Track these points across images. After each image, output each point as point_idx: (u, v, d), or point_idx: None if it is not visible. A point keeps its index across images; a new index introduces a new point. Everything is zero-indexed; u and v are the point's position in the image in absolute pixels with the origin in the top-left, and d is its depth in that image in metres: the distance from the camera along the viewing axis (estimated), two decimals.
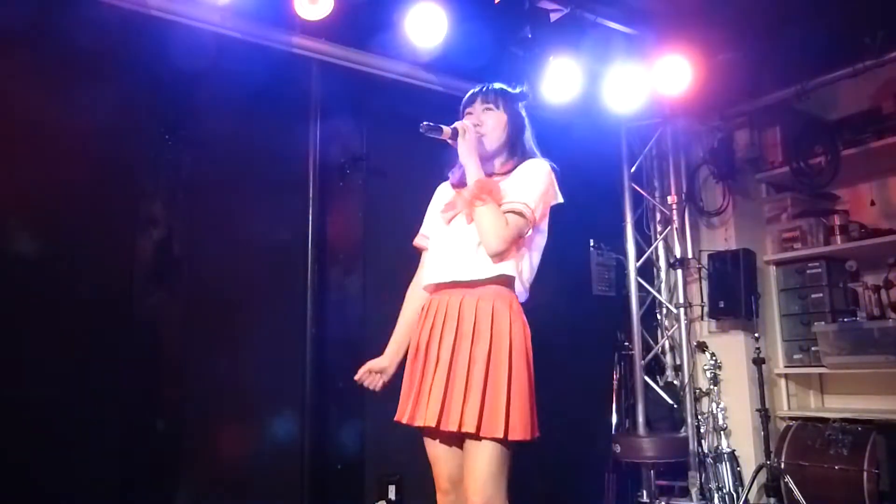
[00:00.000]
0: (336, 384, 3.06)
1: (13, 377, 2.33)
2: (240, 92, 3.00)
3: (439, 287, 1.97)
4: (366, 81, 3.33)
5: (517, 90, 2.12)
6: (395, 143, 3.34)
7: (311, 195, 3.08)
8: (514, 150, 2.05)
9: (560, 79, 3.48)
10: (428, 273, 2.05)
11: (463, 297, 1.90)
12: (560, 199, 2.07)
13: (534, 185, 1.95)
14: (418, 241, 2.17)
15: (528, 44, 3.33)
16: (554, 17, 3.32)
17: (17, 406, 2.31)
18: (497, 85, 2.09)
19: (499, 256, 1.88)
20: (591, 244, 4.17)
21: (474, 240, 1.91)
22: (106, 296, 2.59)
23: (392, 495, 3.12)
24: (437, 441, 1.94)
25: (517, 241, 1.92)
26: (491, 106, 2.04)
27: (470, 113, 2.06)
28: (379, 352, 2.13)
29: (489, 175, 1.99)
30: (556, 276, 3.95)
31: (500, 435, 1.75)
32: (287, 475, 2.88)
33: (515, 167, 2.02)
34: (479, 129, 2.00)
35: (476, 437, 1.78)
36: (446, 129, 1.95)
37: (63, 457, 2.39)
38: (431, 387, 1.85)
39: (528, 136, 2.10)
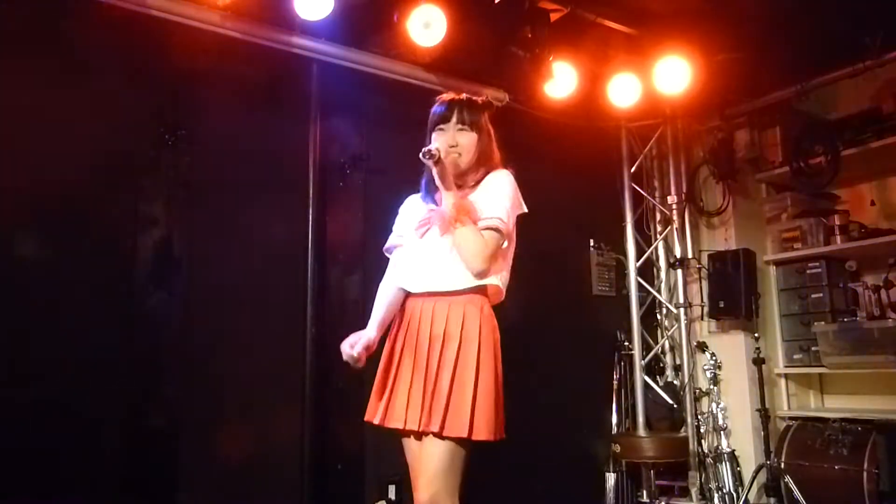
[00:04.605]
0: (336, 384, 3.06)
1: (13, 377, 2.33)
2: (240, 92, 3.01)
3: (413, 295, 2.06)
4: (366, 81, 3.33)
5: (482, 100, 2.15)
6: (395, 143, 3.34)
7: (311, 195, 3.08)
8: (484, 163, 2.11)
9: (560, 79, 3.48)
10: (403, 281, 2.11)
11: (435, 304, 1.98)
12: (525, 209, 2.14)
13: (502, 198, 2.02)
14: (392, 240, 2.22)
15: (528, 44, 3.32)
16: (554, 17, 3.32)
17: (17, 406, 2.31)
18: (468, 99, 2.12)
19: (481, 274, 1.95)
20: (591, 244, 4.17)
21: (447, 252, 1.99)
22: (106, 296, 2.59)
23: (392, 495, 3.12)
24: (413, 442, 1.99)
25: (494, 255, 1.98)
26: (465, 127, 2.07)
27: (442, 129, 2.09)
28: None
29: (460, 188, 2.06)
30: (556, 276, 3.98)
31: (465, 434, 1.81)
32: (287, 475, 2.88)
33: (483, 178, 2.09)
34: (455, 149, 2.05)
35: (438, 435, 1.84)
36: (434, 152, 1.95)
37: (63, 457, 2.39)
38: (401, 389, 1.95)
39: (494, 146, 2.15)
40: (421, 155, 1.93)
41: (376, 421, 1.99)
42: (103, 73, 2.68)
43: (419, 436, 1.93)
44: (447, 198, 2.00)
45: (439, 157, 1.94)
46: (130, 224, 2.71)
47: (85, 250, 2.55)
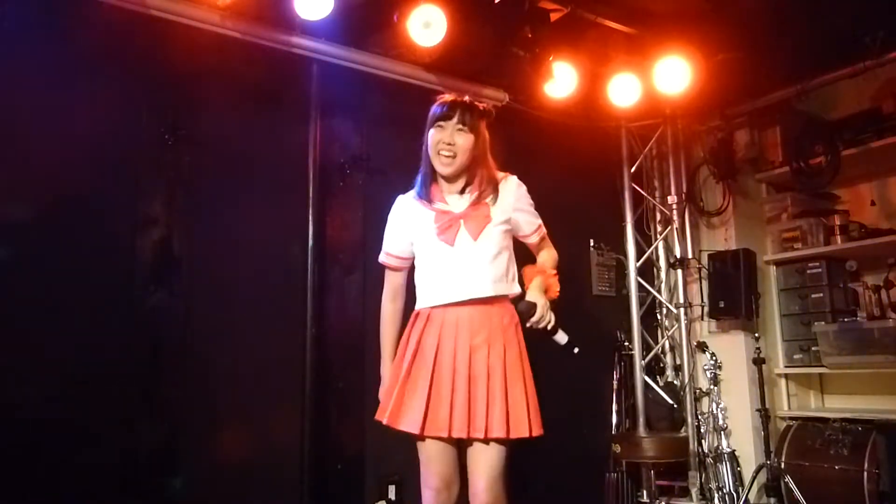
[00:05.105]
0: (336, 384, 3.06)
1: (13, 377, 2.33)
2: (240, 92, 3.01)
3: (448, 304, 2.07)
4: (366, 81, 3.33)
5: (483, 107, 2.19)
6: (395, 143, 3.34)
7: (311, 195, 3.07)
8: (477, 169, 2.14)
9: (560, 79, 3.48)
10: (436, 295, 2.09)
11: (471, 311, 2.04)
12: None
13: (531, 205, 2.21)
14: (388, 261, 2.23)
15: (528, 44, 3.32)
16: (554, 17, 3.32)
17: (17, 406, 2.31)
18: (471, 102, 2.15)
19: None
20: (591, 244, 4.17)
21: (485, 258, 2.04)
22: (106, 296, 2.59)
23: (392, 495, 3.12)
24: (434, 442, 2.00)
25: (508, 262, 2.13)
26: (464, 128, 2.10)
27: (441, 126, 2.11)
28: (379, 351, 2.13)
29: (461, 192, 2.13)
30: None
31: (527, 434, 1.94)
32: (287, 475, 2.87)
33: (485, 186, 2.13)
34: (451, 147, 2.08)
35: (502, 439, 1.94)
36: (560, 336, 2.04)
37: (63, 456, 2.38)
38: (443, 397, 1.96)
39: (488, 153, 2.19)
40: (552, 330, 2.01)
41: (416, 430, 1.96)
42: (103, 72, 2.68)
43: (455, 441, 1.99)
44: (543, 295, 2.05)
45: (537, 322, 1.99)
46: (130, 224, 2.71)
47: (85, 250, 2.55)
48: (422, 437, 2.00)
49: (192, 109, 2.88)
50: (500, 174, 2.18)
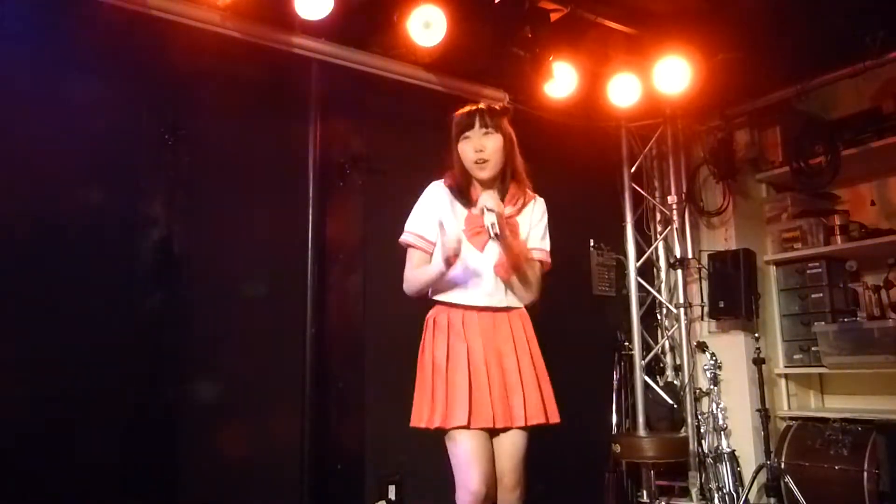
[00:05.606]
0: (336, 384, 3.06)
1: (13, 377, 2.33)
2: (240, 92, 3.00)
3: (469, 307, 2.15)
4: (366, 81, 3.33)
5: (501, 106, 2.26)
6: (395, 143, 3.34)
7: (311, 195, 3.08)
8: (511, 170, 2.21)
9: (560, 79, 3.48)
10: (456, 293, 2.15)
11: (495, 316, 2.15)
12: None
13: (547, 230, 2.27)
14: (415, 241, 2.19)
15: (528, 44, 3.32)
16: (554, 17, 3.32)
17: (17, 406, 2.31)
18: (488, 106, 2.20)
19: (531, 303, 2.23)
20: (591, 244, 4.17)
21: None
22: (106, 296, 2.59)
23: (392, 495, 3.12)
24: (476, 438, 2.04)
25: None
26: (490, 130, 2.14)
27: (468, 137, 2.15)
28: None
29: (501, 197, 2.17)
30: (556, 276, 3.95)
31: (543, 420, 2.10)
32: (287, 475, 2.87)
33: (517, 196, 2.21)
34: (481, 154, 2.13)
35: (542, 425, 2.10)
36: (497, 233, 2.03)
37: (63, 456, 2.38)
38: (483, 392, 2.06)
39: (517, 151, 2.24)
40: (493, 237, 2.01)
41: (461, 423, 2.02)
42: (103, 72, 2.68)
43: (484, 438, 2.06)
44: (511, 248, 2.10)
45: (495, 234, 1.99)
46: (130, 224, 2.71)
47: (85, 250, 2.55)
48: (467, 429, 2.03)
49: (192, 109, 2.88)
50: (529, 193, 2.26)
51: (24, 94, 2.51)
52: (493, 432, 2.08)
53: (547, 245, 2.26)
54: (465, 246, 2.11)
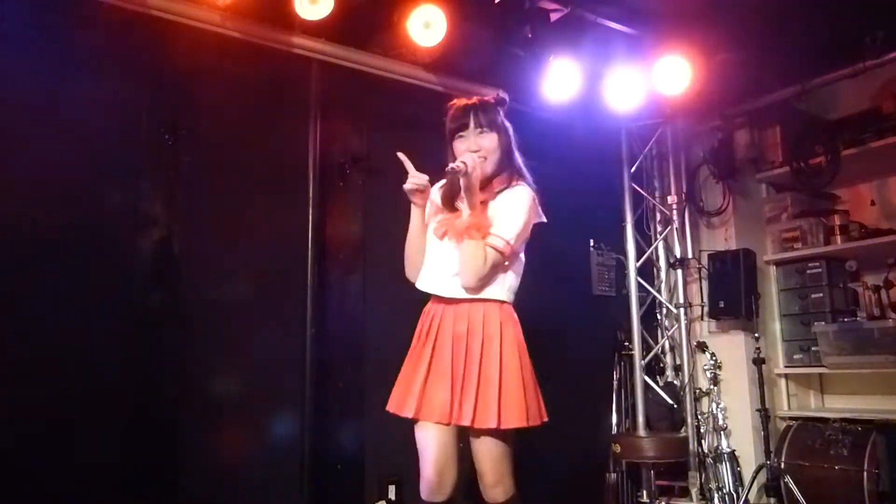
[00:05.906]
0: (336, 384, 3.06)
1: (13, 377, 2.33)
2: (240, 92, 3.00)
3: (435, 298, 2.14)
4: (366, 81, 3.32)
5: (494, 98, 2.19)
6: (395, 143, 3.31)
7: (311, 195, 3.08)
8: (508, 166, 2.16)
9: (560, 79, 3.48)
10: (421, 280, 2.17)
11: (457, 307, 2.08)
12: (542, 219, 2.19)
13: (516, 218, 2.07)
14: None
15: (528, 44, 3.32)
16: (554, 17, 3.32)
17: (17, 406, 2.31)
18: (481, 101, 2.15)
19: (473, 289, 2.05)
20: (591, 244, 4.17)
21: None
22: (106, 296, 2.59)
23: (392, 495, 3.12)
24: (430, 433, 2.05)
25: (495, 270, 2.06)
26: (485, 129, 2.10)
27: (462, 136, 2.12)
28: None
29: (483, 191, 2.09)
30: (556, 276, 3.97)
31: (493, 425, 1.95)
32: (287, 475, 2.87)
33: (506, 186, 2.13)
34: (479, 153, 2.08)
35: (474, 428, 1.99)
36: (460, 167, 1.98)
37: (63, 456, 2.39)
38: (452, 389, 2.00)
39: (514, 145, 2.19)
40: (447, 170, 1.97)
41: (411, 414, 2.04)
42: (103, 72, 2.68)
43: (435, 428, 2.04)
44: (465, 209, 2.04)
45: (466, 171, 1.97)
46: (130, 224, 2.71)
47: (85, 250, 2.55)
48: (425, 429, 2.06)
49: (192, 109, 2.88)
50: (515, 182, 2.15)
51: (24, 94, 2.50)
52: (471, 430, 2.03)
53: (506, 234, 2.03)
54: (430, 237, 2.16)
